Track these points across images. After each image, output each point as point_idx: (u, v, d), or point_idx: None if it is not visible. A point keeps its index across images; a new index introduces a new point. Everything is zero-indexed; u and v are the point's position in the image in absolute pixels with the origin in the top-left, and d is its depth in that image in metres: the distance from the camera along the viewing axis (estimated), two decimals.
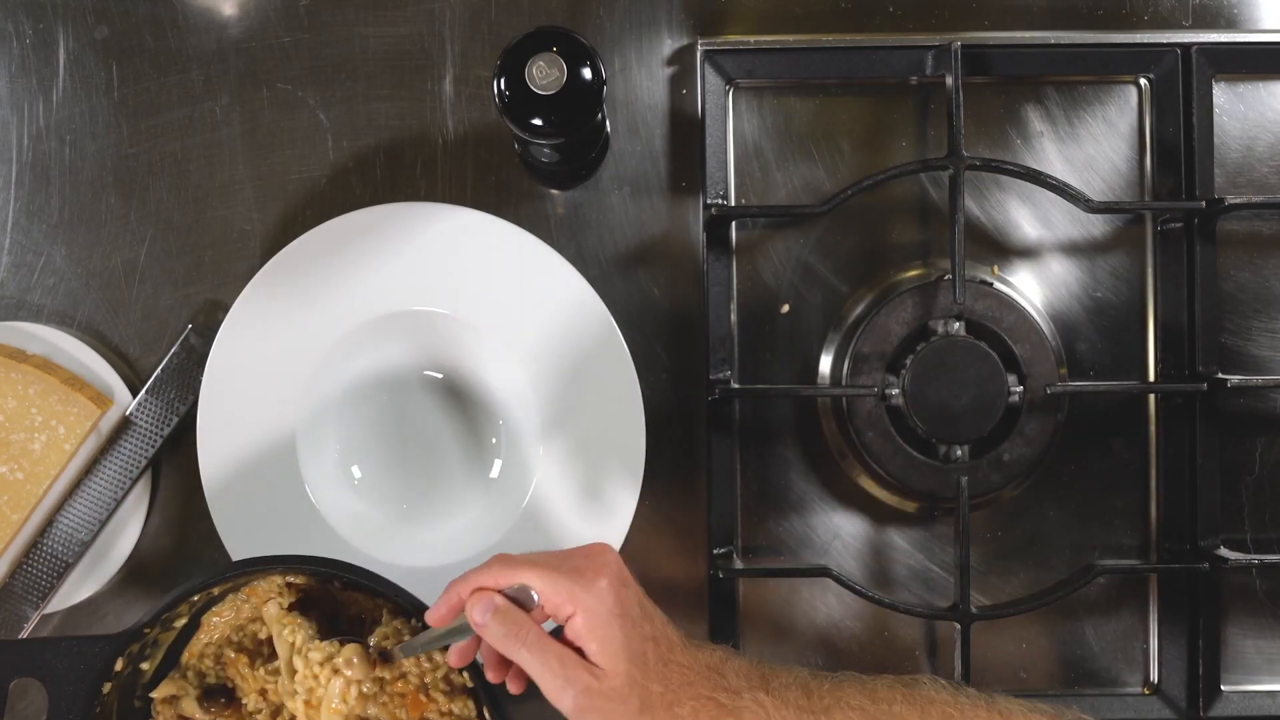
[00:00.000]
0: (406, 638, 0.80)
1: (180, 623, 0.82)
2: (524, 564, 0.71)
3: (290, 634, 0.80)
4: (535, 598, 0.71)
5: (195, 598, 0.80)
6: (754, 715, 0.69)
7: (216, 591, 0.82)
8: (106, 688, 0.78)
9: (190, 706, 0.82)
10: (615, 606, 0.70)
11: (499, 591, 0.71)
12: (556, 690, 0.69)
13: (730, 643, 0.90)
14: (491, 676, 0.75)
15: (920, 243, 0.92)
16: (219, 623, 0.84)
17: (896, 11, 0.92)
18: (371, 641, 0.80)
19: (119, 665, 0.79)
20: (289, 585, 0.83)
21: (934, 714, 0.69)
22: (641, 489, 0.87)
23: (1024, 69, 0.92)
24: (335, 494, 0.89)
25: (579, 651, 0.70)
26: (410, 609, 0.78)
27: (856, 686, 0.71)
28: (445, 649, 0.77)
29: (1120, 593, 0.92)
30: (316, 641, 0.79)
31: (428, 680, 0.80)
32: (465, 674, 0.78)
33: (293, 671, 0.79)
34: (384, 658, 0.79)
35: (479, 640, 0.74)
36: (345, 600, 0.84)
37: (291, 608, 0.83)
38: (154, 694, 0.82)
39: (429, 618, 0.75)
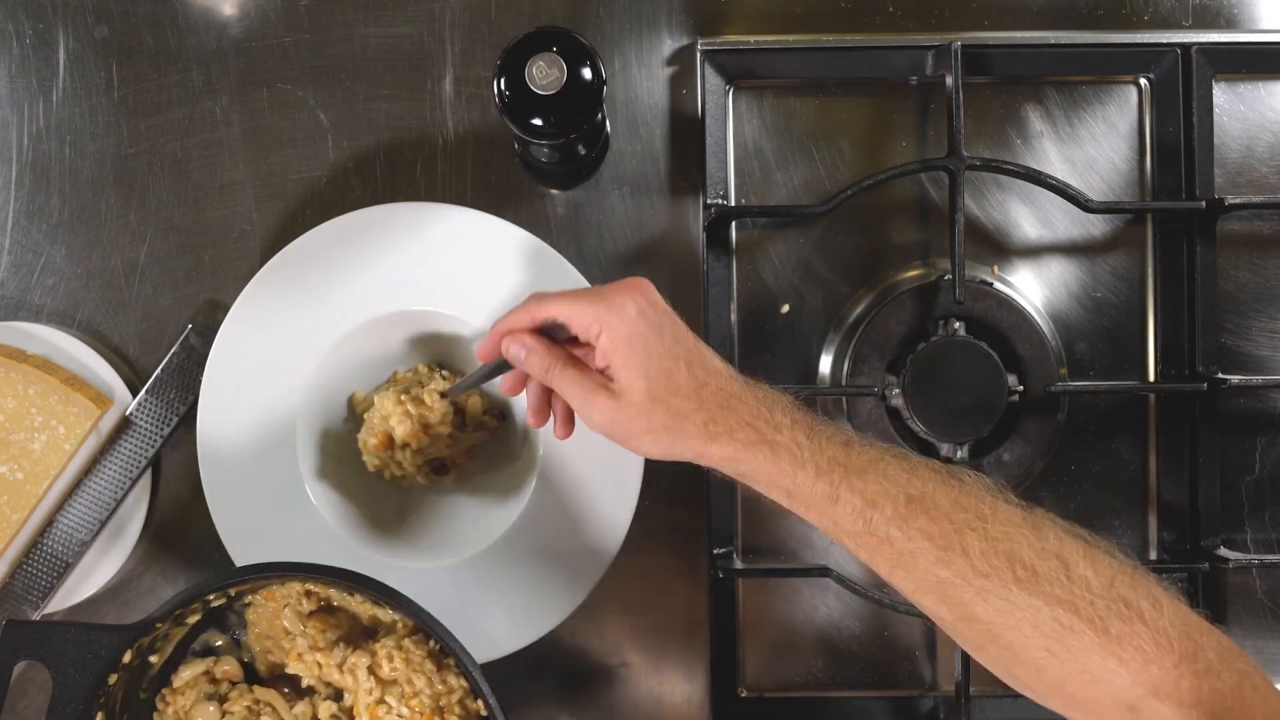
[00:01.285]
0: (411, 649, 0.80)
1: (193, 619, 0.82)
2: (554, 297, 0.74)
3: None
4: (566, 330, 0.73)
5: (211, 596, 0.80)
6: (790, 453, 0.69)
7: (233, 593, 0.82)
8: (113, 679, 0.78)
9: (200, 706, 0.82)
10: (639, 324, 0.71)
11: (534, 329, 0.74)
12: (584, 412, 0.73)
13: (730, 643, 0.90)
14: (534, 421, 0.79)
15: (920, 243, 0.92)
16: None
17: (896, 11, 0.92)
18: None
19: (127, 657, 0.78)
20: (309, 593, 0.83)
21: (967, 504, 0.68)
22: (641, 489, 0.86)
23: (1024, 69, 0.92)
24: (335, 494, 0.89)
25: (607, 374, 0.72)
26: (429, 628, 0.77)
27: (898, 461, 0.70)
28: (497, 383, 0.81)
29: None
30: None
31: (443, 703, 0.80)
32: (480, 702, 0.78)
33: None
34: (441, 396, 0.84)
35: (525, 375, 0.77)
36: (361, 611, 0.84)
37: (311, 614, 0.83)
38: (175, 680, 0.82)
39: (478, 353, 0.79)
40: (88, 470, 0.90)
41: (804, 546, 0.92)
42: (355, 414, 0.90)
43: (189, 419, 0.89)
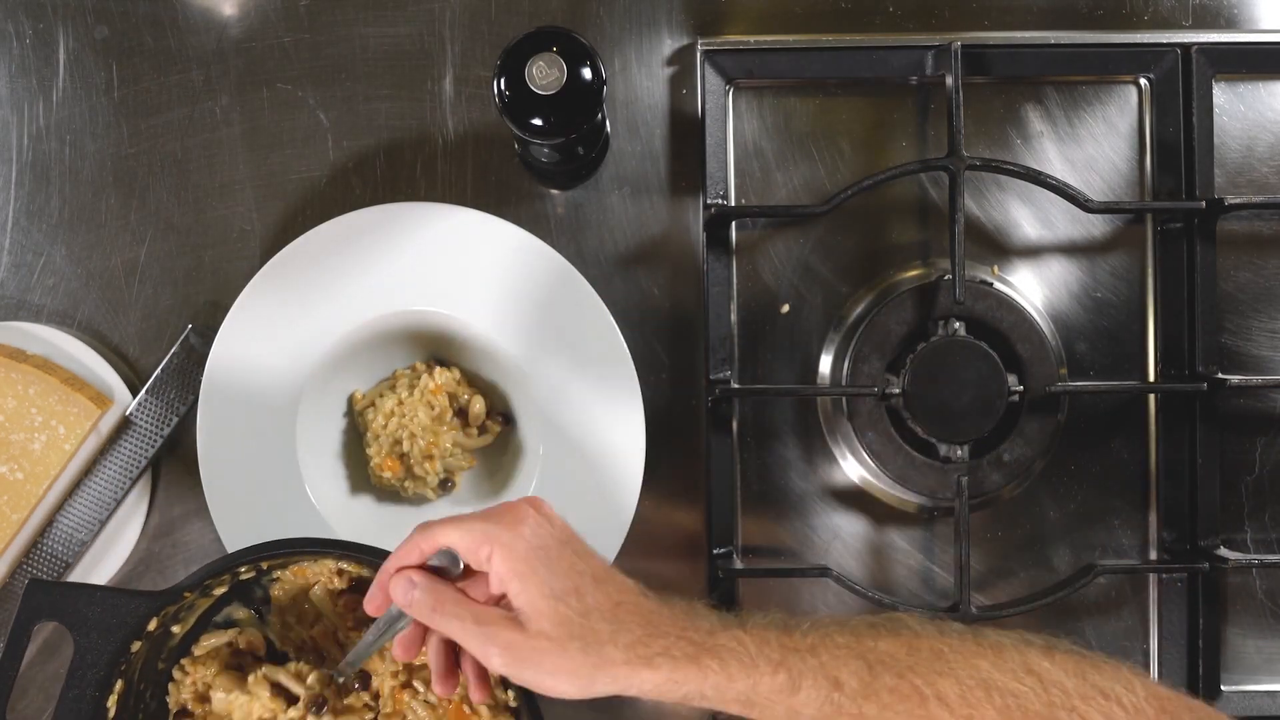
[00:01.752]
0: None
1: (219, 590, 0.81)
2: (441, 525, 0.66)
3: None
4: (460, 562, 0.66)
5: (243, 569, 0.79)
6: (736, 656, 0.63)
7: (265, 566, 0.80)
8: (136, 646, 0.76)
9: (222, 678, 0.82)
10: (534, 539, 0.64)
11: (422, 566, 0.67)
12: (482, 652, 0.63)
13: None
14: (441, 689, 0.70)
15: (920, 243, 0.92)
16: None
17: (896, 11, 0.92)
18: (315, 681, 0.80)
19: (152, 625, 0.76)
20: (340, 572, 0.82)
21: (923, 649, 0.65)
22: (641, 489, 0.86)
23: (1024, 69, 0.92)
24: (335, 494, 0.89)
25: (505, 603, 0.65)
26: None
27: (837, 626, 0.66)
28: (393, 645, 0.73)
29: (1120, 593, 0.92)
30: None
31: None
32: (510, 692, 0.77)
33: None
34: (342, 687, 0.80)
35: (424, 627, 0.69)
36: None
37: (341, 594, 0.82)
38: (196, 649, 0.82)
39: (368, 608, 0.70)
40: (88, 470, 0.90)
41: (804, 546, 0.92)
42: (355, 414, 0.90)
43: (189, 419, 0.89)
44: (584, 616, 0.63)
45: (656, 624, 0.64)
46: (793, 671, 0.63)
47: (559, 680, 0.62)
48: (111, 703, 0.76)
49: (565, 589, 0.63)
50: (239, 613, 0.84)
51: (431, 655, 0.70)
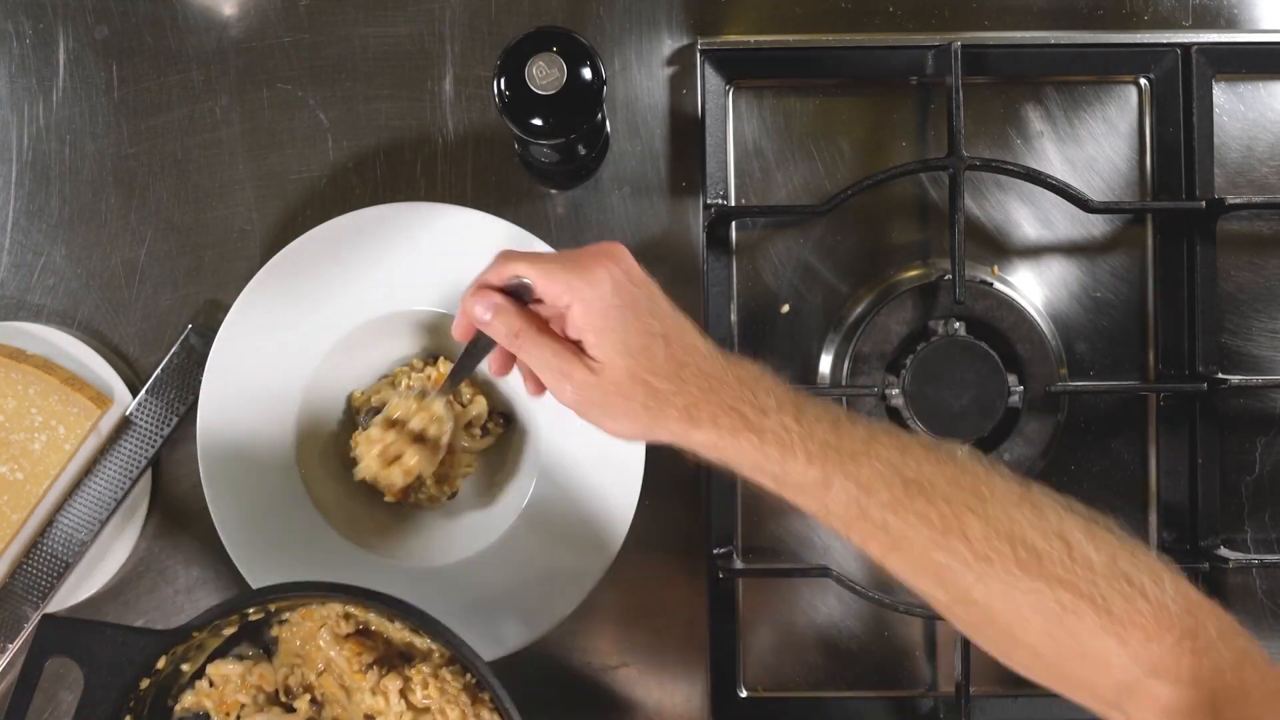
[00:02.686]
0: (448, 679, 0.80)
1: (229, 631, 0.82)
2: (521, 257, 0.69)
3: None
4: (534, 293, 0.69)
5: (250, 610, 0.80)
6: (778, 439, 0.65)
7: (273, 608, 0.81)
8: (145, 684, 0.77)
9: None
10: (614, 297, 0.67)
11: (501, 289, 0.70)
12: (555, 385, 0.68)
13: (730, 643, 0.90)
14: (530, 388, 0.74)
15: (920, 243, 0.92)
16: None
17: (896, 11, 0.92)
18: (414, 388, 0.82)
19: (161, 663, 0.77)
20: (347, 616, 0.82)
21: (964, 484, 0.65)
22: (641, 489, 0.86)
23: (1024, 69, 0.92)
24: (335, 494, 0.89)
25: (581, 346, 0.68)
26: (468, 661, 0.76)
27: (890, 439, 0.66)
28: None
29: None
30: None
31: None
32: (488, 696, 0.78)
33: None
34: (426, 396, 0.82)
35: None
36: (398, 637, 0.84)
37: (347, 637, 0.83)
38: (211, 670, 0.83)
39: (455, 333, 0.74)
40: (88, 470, 0.90)
41: (804, 546, 0.92)
42: (354, 413, 0.90)
43: (189, 419, 0.89)
44: (652, 374, 0.66)
45: (716, 390, 0.67)
46: (828, 468, 0.65)
47: (621, 423, 0.68)
48: None
49: (638, 346, 0.66)
50: (248, 652, 0.85)
51: (522, 365, 0.73)
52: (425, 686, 0.79)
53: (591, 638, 0.91)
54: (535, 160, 0.88)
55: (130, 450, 0.90)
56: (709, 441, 0.67)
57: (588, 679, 0.91)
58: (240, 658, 0.83)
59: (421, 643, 0.82)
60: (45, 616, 0.77)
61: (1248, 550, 0.92)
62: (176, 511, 0.91)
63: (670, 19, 0.92)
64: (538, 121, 0.78)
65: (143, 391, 0.90)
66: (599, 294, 0.67)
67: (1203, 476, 0.90)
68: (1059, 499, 0.67)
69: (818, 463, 0.65)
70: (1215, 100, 0.91)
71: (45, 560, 0.89)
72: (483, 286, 0.70)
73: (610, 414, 0.68)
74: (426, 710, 0.80)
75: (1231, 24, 0.92)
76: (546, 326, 0.69)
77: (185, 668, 0.81)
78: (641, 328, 0.67)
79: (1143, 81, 0.92)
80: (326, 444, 0.90)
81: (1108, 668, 0.63)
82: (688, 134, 0.92)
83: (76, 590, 0.90)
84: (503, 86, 0.78)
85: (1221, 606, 0.65)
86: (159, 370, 0.90)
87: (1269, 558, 0.90)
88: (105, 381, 0.89)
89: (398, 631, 0.83)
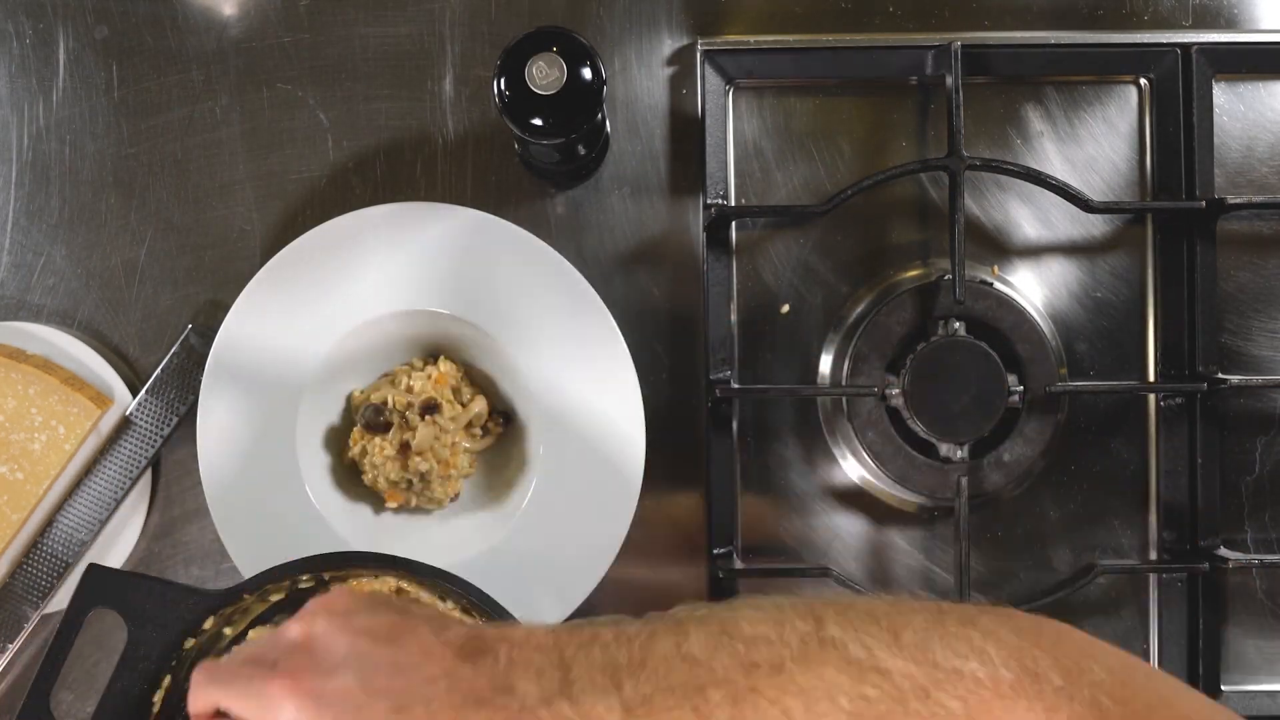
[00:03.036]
0: None
1: (276, 597, 0.80)
2: (215, 688, 0.63)
3: None
4: None
5: (304, 578, 0.78)
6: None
7: (326, 577, 0.79)
8: (189, 643, 0.75)
9: None
10: (314, 717, 0.59)
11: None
12: None
13: None
14: None
15: (920, 243, 0.92)
16: None
17: (896, 11, 0.92)
18: None
19: (208, 624, 0.76)
20: (399, 591, 0.81)
21: (761, 664, 0.58)
22: (641, 489, 0.86)
23: (1024, 69, 0.92)
24: (335, 494, 0.89)
25: None
26: None
27: (669, 647, 0.60)
28: None
29: (1120, 593, 0.92)
30: None
31: None
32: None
33: None
34: None
35: None
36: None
37: None
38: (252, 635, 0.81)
39: None
40: (88, 470, 0.90)
41: (804, 546, 0.92)
42: (354, 413, 0.90)
43: (189, 419, 0.89)
44: None
45: (476, 705, 0.59)
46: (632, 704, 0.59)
47: None
48: (158, 698, 0.75)
49: None
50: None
51: None
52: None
53: None
54: (535, 160, 0.88)
55: (130, 450, 0.90)
56: None
57: None
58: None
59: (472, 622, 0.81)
60: (92, 565, 0.75)
61: (1248, 550, 0.92)
62: (176, 511, 0.91)
63: (670, 19, 0.92)
64: (538, 121, 0.78)
65: (143, 391, 0.90)
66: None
67: (1203, 476, 0.90)
68: (856, 610, 0.62)
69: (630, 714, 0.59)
70: (1215, 100, 0.91)
71: (45, 560, 0.89)
72: (195, 716, 0.64)
73: None
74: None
75: (1231, 24, 0.92)
76: None
77: (228, 631, 0.79)
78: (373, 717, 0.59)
79: (1143, 81, 0.92)
80: (327, 443, 0.90)
81: None
82: (688, 134, 0.92)
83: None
84: (503, 86, 0.78)
85: (1046, 618, 0.62)
86: (159, 370, 0.90)
87: (1269, 558, 0.90)
88: (105, 381, 0.89)
89: (448, 610, 0.82)
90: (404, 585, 0.81)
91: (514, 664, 0.61)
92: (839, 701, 0.59)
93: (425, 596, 0.82)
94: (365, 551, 0.76)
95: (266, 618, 0.82)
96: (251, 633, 0.81)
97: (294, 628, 0.63)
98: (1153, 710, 0.59)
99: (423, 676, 0.60)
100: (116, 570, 0.77)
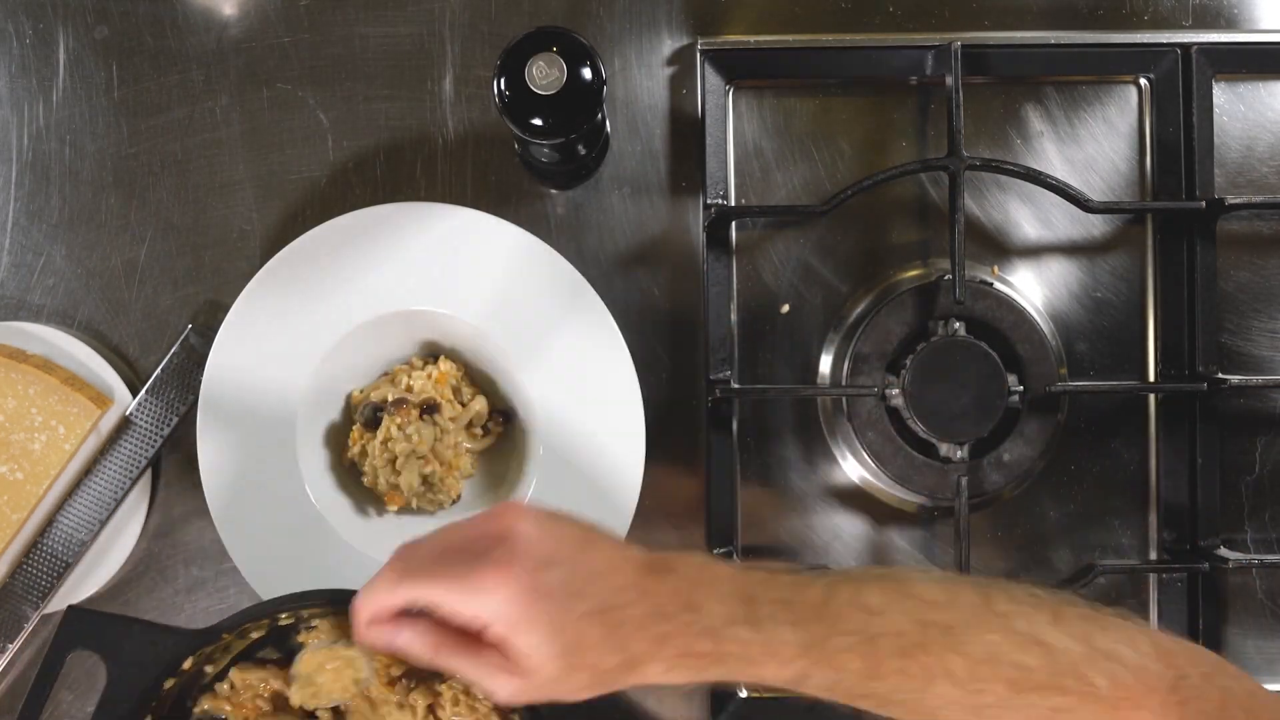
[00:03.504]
0: (478, 700, 0.79)
1: (257, 634, 0.81)
2: (416, 583, 0.63)
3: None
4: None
5: (283, 615, 0.79)
6: (739, 660, 0.62)
7: (306, 614, 0.80)
8: (169, 683, 0.76)
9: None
10: (526, 606, 0.61)
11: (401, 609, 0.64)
12: (490, 691, 0.64)
13: None
14: None
15: (920, 243, 0.92)
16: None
17: (896, 11, 0.92)
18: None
19: (187, 664, 0.76)
20: None
21: (934, 624, 0.63)
22: (641, 488, 0.86)
23: (1024, 69, 0.92)
24: (335, 493, 0.89)
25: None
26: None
27: (847, 595, 0.64)
28: None
29: (1120, 593, 0.92)
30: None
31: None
32: (517, 717, 0.78)
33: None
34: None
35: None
36: None
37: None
38: (196, 708, 0.81)
39: (357, 639, 0.67)
40: (88, 470, 0.90)
41: (804, 546, 0.92)
42: (354, 412, 0.90)
43: (189, 419, 0.89)
44: (588, 654, 0.62)
45: (662, 637, 0.62)
46: (800, 669, 0.63)
47: (571, 699, 0.63)
48: None
49: (566, 643, 0.61)
50: (273, 655, 0.82)
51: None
52: (455, 704, 0.78)
53: None
54: (535, 160, 0.88)
55: (130, 450, 0.90)
56: (676, 681, 0.63)
57: None
58: (264, 662, 0.83)
59: None
60: (71, 608, 0.75)
61: (1248, 550, 0.92)
62: (176, 511, 0.91)
63: (670, 19, 0.92)
64: (538, 121, 0.78)
65: (143, 391, 0.90)
66: (508, 611, 0.61)
67: (1203, 476, 0.90)
68: (1017, 590, 0.66)
69: (788, 665, 0.63)
70: (1215, 100, 0.91)
71: (45, 560, 0.89)
72: (380, 613, 0.65)
73: (556, 697, 0.63)
74: None
75: (1231, 24, 0.92)
76: (460, 635, 0.64)
77: (209, 669, 0.80)
78: (565, 620, 0.61)
79: (1143, 81, 0.92)
80: (327, 443, 0.90)
81: None
82: (688, 134, 0.92)
83: (76, 590, 0.90)
84: (503, 86, 0.78)
85: (1202, 648, 0.67)
86: (159, 370, 0.90)
87: (1269, 558, 0.90)
88: (105, 381, 0.89)
89: None
90: None
91: (698, 585, 0.63)
92: (1001, 667, 0.63)
93: None
94: (345, 590, 0.76)
95: (248, 655, 0.82)
96: (233, 671, 0.81)
97: (492, 523, 0.64)
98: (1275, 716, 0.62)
99: (613, 585, 0.62)
100: (96, 612, 0.76)
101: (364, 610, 0.65)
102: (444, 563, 0.63)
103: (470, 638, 0.64)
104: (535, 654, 0.61)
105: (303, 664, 0.78)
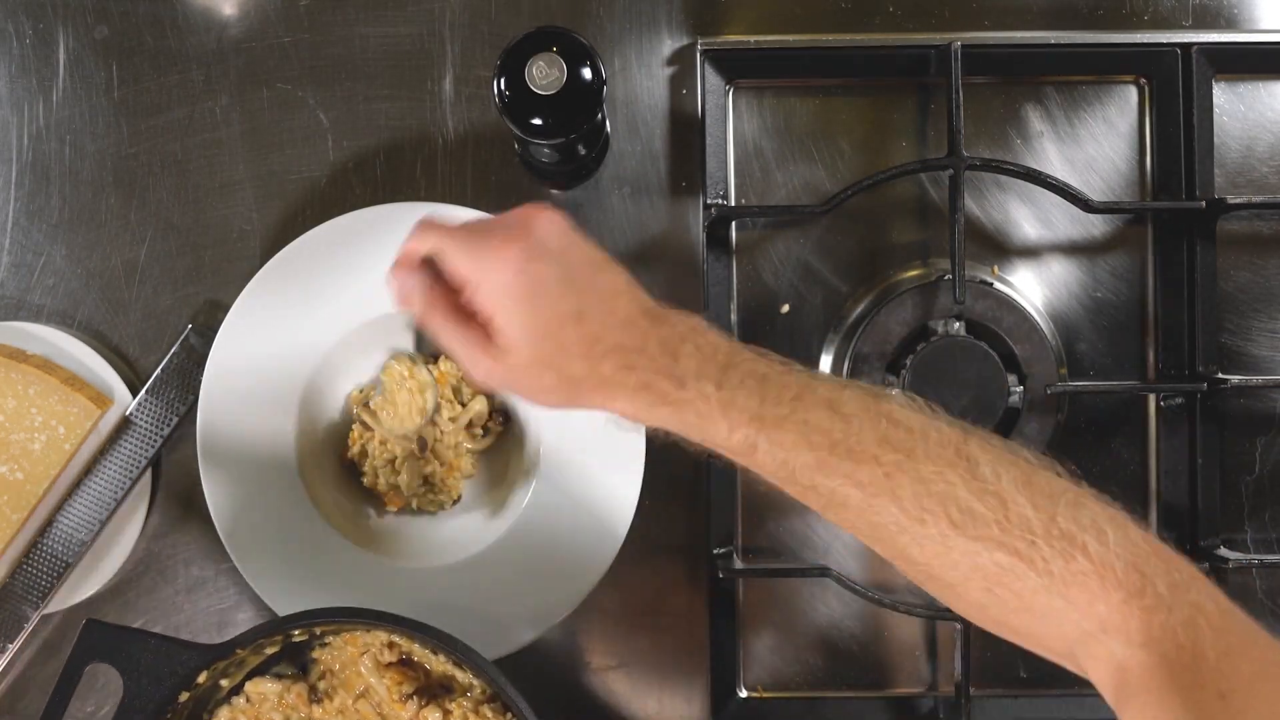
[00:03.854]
0: (490, 717, 0.80)
1: (271, 650, 0.82)
2: (435, 229, 0.67)
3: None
4: None
5: (296, 632, 0.79)
6: (695, 410, 0.64)
7: (319, 630, 0.81)
8: (184, 697, 0.77)
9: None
10: (518, 279, 0.64)
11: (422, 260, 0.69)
12: (467, 368, 0.68)
13: (730, 643, 0.90)
14: None
15: (920, 243, 0.92)
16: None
17: (896, 11, 0.92)
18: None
19: (202, 678, 0.77)
20: (391, 645, 0.82)
21: (896, 441, 0.63)
22: (641, 489, 0.86)
23: (1024, 69, 0.92)
24: (336, 493, 0.89)
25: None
26: (511, 702, 0.76)
27: (821, 394, 0.65)
28: None
29: None
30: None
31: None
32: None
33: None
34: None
35: None
36: (439, 669, 0.83)
37: (388, 665, 0.82)
38: (249, 688, 0.82)
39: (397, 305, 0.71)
40: (88, 470, 0.90)
41: (804, 546, 0.92)
42: (353, 414, 0.90)
43: (189, 419, 0.89)
44: (560, 358, 0.65)
45: (631, 364, 0.65)
46: (750, 434, 0.64)
47: (537, 398, 0.67)
48: None
49: (544, 331, 0.65)
50: (287, 670, 0.84)
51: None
52: None
53: (591, 638, 0.91)
54: (535, 160, 0.88)
55: (130, 450, 0.90)
56: (628, 412, 0.66)
57: (588, 679, 0.91)
58: (279, 676, 0.83)
59: (464, 677, 0.81)
60: (90, 621, 0.76)
61: (1248, 550, 0.92)
62: (176, 511, 0.91)
63: (670, 19, 0.92)
64: (538, 121, 0.78)
65: (143, 392, 0.90)
66: (502, 278, 0.65)
67: (1203, 476, 0.90)
68: (1001, 446, 0.65)
69: (740, 429, 0.64)
70: (1215, 100, 0.91)
71: (45, 560, 0.89)
72: (402, 258, 0.69)
73: (523, 391, 0.68)
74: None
75: (1231, 24, 0.92)
76: (456, 305, 0.68)
77: (224, 683, 0.81)
78: (550, 310, 0.65)
79: (1143, 81, 0.92)
80: (327, 443, 0.90)
81: (1056, 624, 0.61)
82: (688, 134, 0.92)
83: (76, 590, 0.90)
84: (503, 86, 0.78)
85: (1176, 551, 0.63)
86: (159, 370, 0.90)
87: (1269, 558, 0.90)
88: (105, 381, 0.89)
89: (440, 664, 0.82)
90: (395, 639, 0.82)
91: (685, 339, 0.66)
92: (948, 505, 0.62)
93: (417, 648, 0.82)
94: (358, 608, 0.77)
95: (262, 670, 0.83)
96: (248, 685, 0.82)
97: (517, 213, 0.67)
98: (1248, 646, 0.59)
99: (606, 308, 0.66)
100: (113, 625, 0.78)
101: (400, 251, 0.69)
102: (469, 228, 0.68)
103: (463, 312, 0.67)
104: (511, 330, 0.65)
105: (388, 372, 0.85)
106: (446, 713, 0.80)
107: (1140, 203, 0.92)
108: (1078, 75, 0.92)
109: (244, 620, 0.90)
